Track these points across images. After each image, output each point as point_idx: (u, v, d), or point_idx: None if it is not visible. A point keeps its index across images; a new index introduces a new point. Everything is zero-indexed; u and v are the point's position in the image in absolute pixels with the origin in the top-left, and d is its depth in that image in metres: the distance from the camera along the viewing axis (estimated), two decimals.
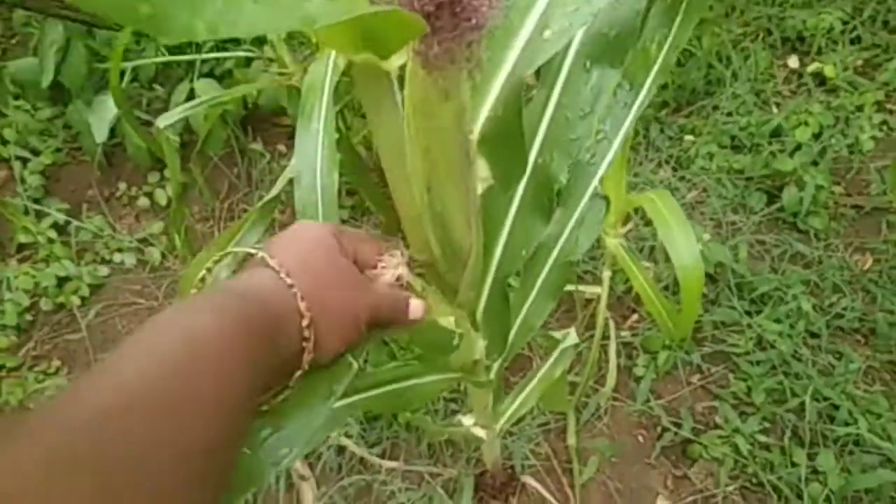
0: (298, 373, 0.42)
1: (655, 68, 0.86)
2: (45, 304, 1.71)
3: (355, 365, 0.50)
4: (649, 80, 0.85)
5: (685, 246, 0.93)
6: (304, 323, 0.41)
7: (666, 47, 0.87)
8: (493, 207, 0.68)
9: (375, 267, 0.51)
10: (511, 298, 0.87)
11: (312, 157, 0.97)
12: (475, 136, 0.51)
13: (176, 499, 0.31)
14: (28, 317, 1.71)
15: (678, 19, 0.89)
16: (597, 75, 0.64)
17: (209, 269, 0.46)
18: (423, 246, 0.54)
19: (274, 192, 1.18)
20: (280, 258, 0.43)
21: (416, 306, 0.52)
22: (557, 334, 1.06)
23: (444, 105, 0.43)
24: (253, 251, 0.44)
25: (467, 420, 1.03)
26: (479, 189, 0.54)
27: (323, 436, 0.62)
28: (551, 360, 1.05)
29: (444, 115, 0.43)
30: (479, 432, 1.04)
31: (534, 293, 0.86)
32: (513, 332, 0.87)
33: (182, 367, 0.33)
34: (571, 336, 1.04)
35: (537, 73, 0.65)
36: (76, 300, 1.72)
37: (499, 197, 0.67)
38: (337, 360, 0.47)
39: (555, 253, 0.84)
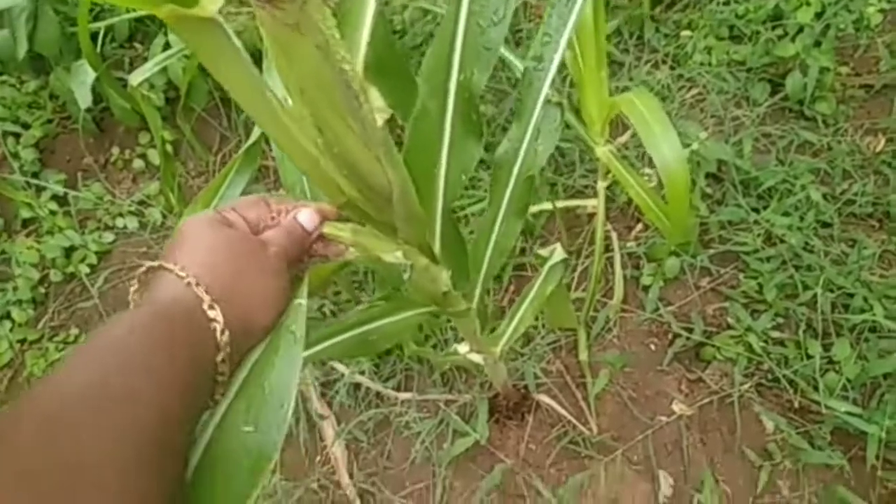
0: (220, 356, 0.42)
1: None
2: (55, 276, 1.74)
3: (304, 304, 0.49)
4: None
5: (668, 146, 0.89)
6: (205, 306, 0.41)
7: None
8: (423, 135, 0.65)
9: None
10: (479, 223, 0.85)
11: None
12: (359, 65, 0.47)
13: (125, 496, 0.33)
14: (41, 289, 1.74)
15: None
16: None
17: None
18: (336, 190, 0.52)
19: (252, 138, 1.15)
20: (173, 258, 0.43)
21: (306, 216, 0.51)
22: (544, 251, 1.03)
23: (301, 39, 0.39)
24: (149, 263, 0.45)
25: (462, 348, 1.02)
26: (380, 121, 0.50)
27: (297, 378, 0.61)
28: (540, 277, 1.03)
29: (305, 50, 0.40)
30: (476, 358, 1.03)
31: (501, 214, 0.83)
32: (486, 256, 0.85)
33: (110, 382, 0.35)
34: (558, 252, 1.02)
35: None
36: (85, 268, 1.74)
37: (427, 124, 0.64)
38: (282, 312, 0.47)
39: (515, 169, 0.81)
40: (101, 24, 1.79)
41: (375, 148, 0.49)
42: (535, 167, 0.80)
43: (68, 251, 1.76)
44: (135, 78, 1.36)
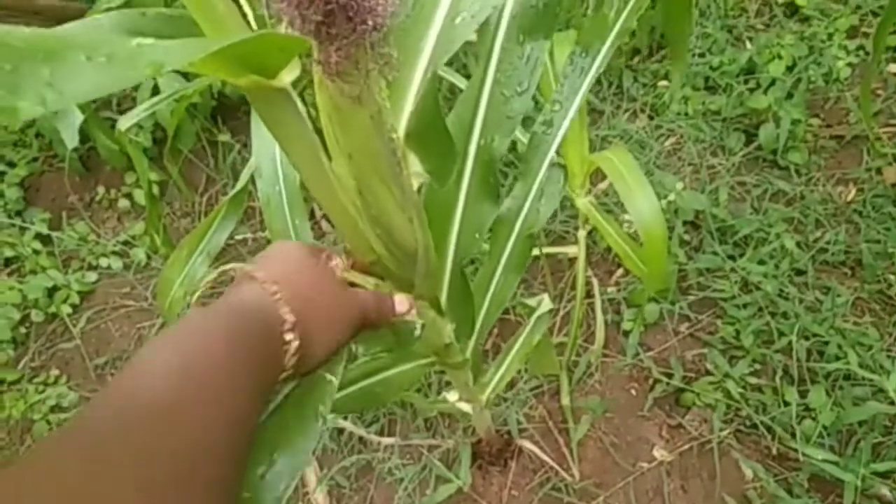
0: (283, 374, 0.43)
1: (612, 34, 0.84)
2: (36, 316, 1.73)
3: (335, 382, 0.50)
4: (605, 47, 0.83)
5: (644, 202, 0.92)
6: (286, 327, 0.42)
7: (625, 13, 0.85)
8: (440, 196, 0.67)
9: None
10: (478, 276, 0.87)
11: (271, 149, 0.96)
12: (401, 133, 0.50)
13: None
14: (22, 329, 1.73)
15: None
16: (530, 48, 0.63)
17: (194, 291, 0.47)
18: (367, 247, 0.53)
19: (239, 184, 1.17)
20: (264, 271, 0.44)
21: (401, 301, 0.54)
22: (531, 301, 1.06)
23: (358, 110, 0.42)
24: (238, 267, 0.45)
25: (452, 396, 1.04)
26: (416, 185, 0.53)
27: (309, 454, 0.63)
28: (528, 327, 1.05)
29: (360, 120, 0.42)
30: (465, 406, 1.05)
31: (500, 268, 0.85)
32: (483, 308, 0.87)
33: (177, 389, 0.34)
34: (545, 303, 1.04)
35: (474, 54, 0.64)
36: (67, 308, 1.73)
37: (444, 186, 0.67)
38: (317, 378, 0.49)
39: (517, 227, 0.84)
40: None
41: (409, 210, 0.51)
42: (536, 226, 0.82)
43: (51, 291, 1.75)
44: (123, 123, 1.37)
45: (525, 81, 0.65)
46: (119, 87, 0.25)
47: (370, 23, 0.36)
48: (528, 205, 0.84)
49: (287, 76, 0.39)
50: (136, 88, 1.90)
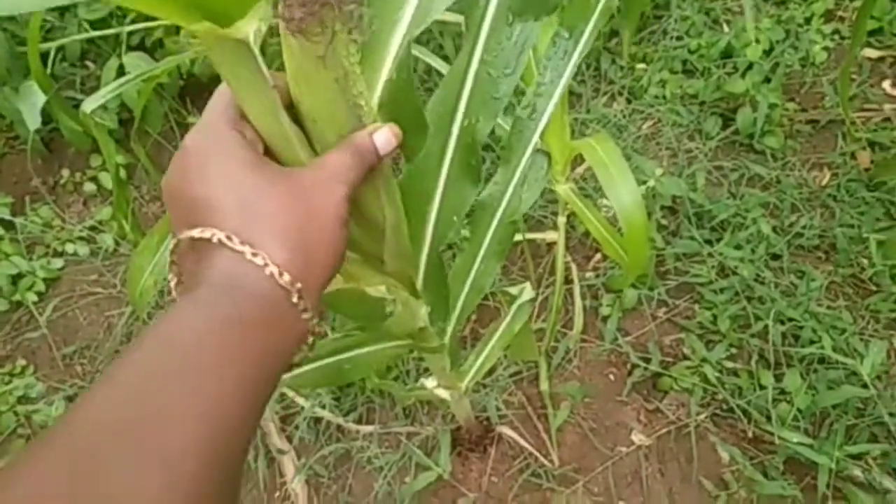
0: (310, 339, 0.38)
1: (596, 13, 0.82)
2: (0, 304, 1.67)
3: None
4: (589, 27, 0.81)
5: (625, 190, 0.91)
6: (294, 299, 0.36)
7: None
8: (420, 176, 0.65)
9: None
10: (458, 262, 0.86)
11: None
12: (374, 103, 0.47)
13: None
14: None
15: None
16: (519, 30, 0.61)
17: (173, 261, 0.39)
18: None
19: None
20: (220, 220, 0.36)
21: (384, 136, 0.43)
22: (513, 290, 1.04)
23: (323, 72, 0.39)
24: (201, 236, 0.37)
25: (430, 383, 1.03)
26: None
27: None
28: (509, 316, 1.04)
29: (324, 82, 0.40)
30: (443, 393, 1.03)
31: (481, 255, 0.84)
32: (462, 294, 0.86)
33: (173, 380, 0.31)
34: (527, 291, 1.03)
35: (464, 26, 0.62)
36: (32, 296, 1.68)
37: (426, 163, 0.65)
38: None
39: (499, 213, 0.82)
40: (53, 45, 1.74)
41: (376, 182, 0.49)
42: (518, 213, 0.81)
43: (15, 278, 1.70)
44: (88, 105, 1.32)
45: (512, 63, 0.63)
46: (31, 8, 0.23)
47: None
48: (510, 191, 0.82)
49: (246, 27, 0.36)
50: (100, 67, 1.83)
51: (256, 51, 0.37)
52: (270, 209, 0.37)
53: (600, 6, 0.86)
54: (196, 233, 0.36)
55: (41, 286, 1.70)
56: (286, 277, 0.36)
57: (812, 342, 1.34)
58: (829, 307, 1.41)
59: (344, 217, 0.40)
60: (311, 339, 0.38)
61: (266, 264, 0.35)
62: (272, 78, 0.39)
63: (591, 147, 0.95)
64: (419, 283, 0.70)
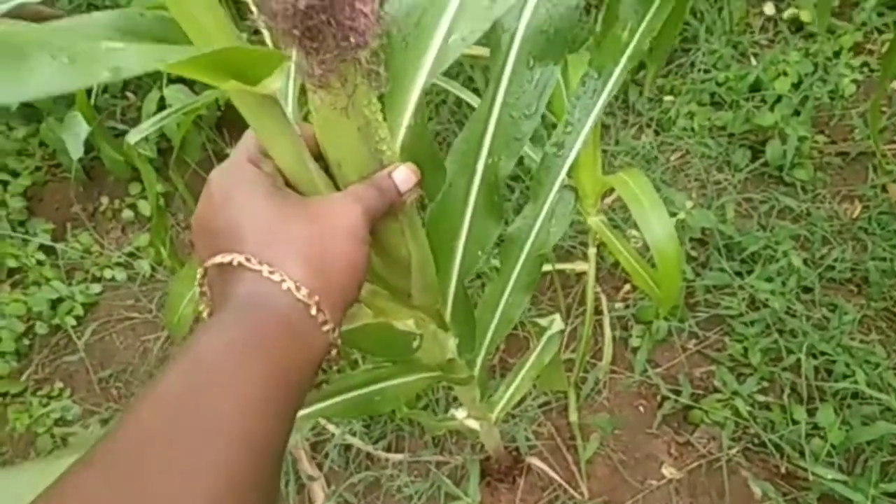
0: (333, 352, 0.39)
1: (626, 55, 0.84)
2: (40, 328, 1.72)
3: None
4: (619, 68, 0.83)
5: (658, 224, 0.93)
6: (312, 311, 0.37)
7: (639, 33, 0.85)
8: (446, 212, 0.68)
9: None
10: (487, 294, 0.87)
11: None
12: (397, 147, 0.50)
13: None
14: (25, 341, 1.72)
15: (656, 3, 0.87)
16: (540, 73, 0.64)
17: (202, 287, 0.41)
18: None
19: None
20: (240, 245, 0.38)
21: (403, 174, 0.45)
22: (543, 321, 1.06)
23: (346, 122, 0.42)
24: (223, 261, 0.39)
25: (460, 413, 1.04)
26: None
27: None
28: (539, 347, 1.05)
29: (348, 131, 0.43)
30: (473, 424, 1.04)
31: (510, 287, 0.86)
32: (492, 326, 0.87)
33: (199, 402, 0.33)
34: (556, 323, 1.04)
35: (488, 69, 0.65)
36: (71, 320, 1.72)
37: (451, 201, 0.67)
38: None
39: (527, 246, 0.84)
40: None
41: (400, 222, 0.51)
42: (546, 246, 0.83)
43: (55, 303, 1.75)
44: (132, 137, 1.37)
45: (533, 105, 0.65)
46: (77, 86, 0.27)
47: (353, 40, 0.36)
48: (538, 225, 0.84)
49: (272, 84, 0.38)
50: (141, 98, 1.90)
51: (282, 104, 0.40)
52: (288, 231, 0.39)
53: (630, 49, 0.88)
54: (218, 259, 0.38)
55: (80, 310, 1.74)
56: (304, 291, 0.37)
57: (845, 376, 1.33)
58: (862, 341, 1.40)
59: (361, 237, 0.41)
60: (333, 352, 0.39)
61: (283, 280, 0.37)
62: (299, 128, 0.42)
63: (623, 181, 0.97)
64: (447, 316, 0.72)
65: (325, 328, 0.38)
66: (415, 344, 0.68)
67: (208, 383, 0.33)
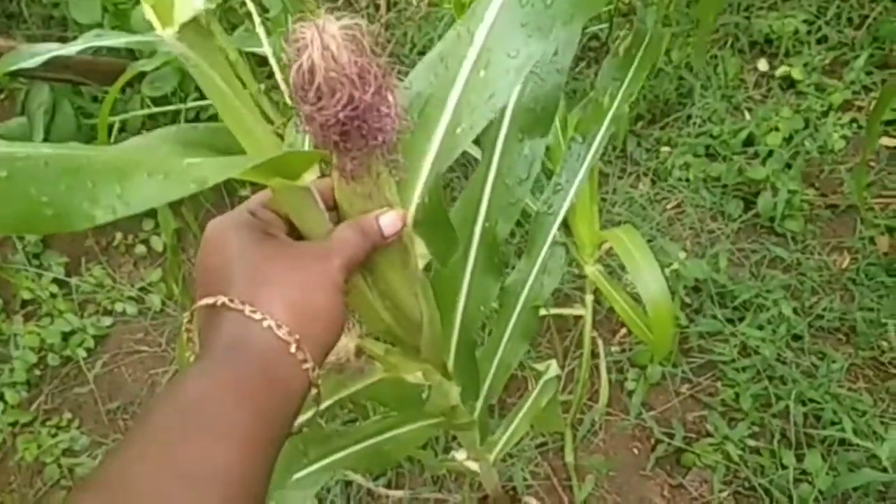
0: (314, 392, 0.41)
1: (607, 119, 0.92)
2: (52, 359, 1.76)
3: (321, 422, 0.55)
4: (602, 131, 0.91)
5: (651, 279, 0.99)
6: (292, 349, 0.39)
7: (618, 98, 0.93)
8: (448, 272, 0.74)
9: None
10: (486, 343, 0.93)
11: None
12: (409, 221, 0.56)
13: None
14: (36, 372, 1.77)
15: (631, 71, 0.94)
16: (529, 145, 0.70)
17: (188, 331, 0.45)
18: (376, 318, 0.59)
19: None
20: (225, 288, 0.40)
21: (390, 220, 0.47)
22: (540, 366, 1.11)
23: (370, 203, 0.48)
24: (209, 303, 0.41)
25: (460, 455, 1.08)
26: (422, 264, 0.59)
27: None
28: (536, 391, 1.10)
29: (369, 209, 0.48)
30: (473, 465, 1.09)
31: (507, 336, 0.91)
32: (490, 373, 0.92)
33: (181, 443, 0.34)
34: (553, 368, 1.09)
35: (479, 143, 0.71)
36: (82, 352, 1.77)
37: (453, 261, 0.73)
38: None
39: (522, 298, 0.90)
40: (118, 118, 1.89)
41: (415, 286, 0.57)
42: (540, 298, 0.89)
43: (66, 335, 1.79)
44: None
45: (525, 172, 0.72)
46: (171, 198, 0.32)
47: (379, 139, 0.43)
48: (532, 278, 0.90)
49: (308, 177, 0.44)
50: None
51: (315, 194, 0.46)
52: (272, 275, 0.41)
53: (611, 112, 0.96)
54: (204, 301, 0.40)
55: (91, 343, 1.79)
56: (284, 329, 0.39)
57: (833, 423, 1.37)
58: (849, 389, 1.45)
59: (339, 285, 0.43)
60: (314, 392, 0.41)
61: (264, 318, 0.39)
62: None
63: (618, 238, 1.03)
64: (450, 366, 0.77)
65: (306, 366, 0.39)
66: (424, 395, 0.73)
67: (190, 427, 0.35)
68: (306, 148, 0.46)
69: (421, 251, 0.59)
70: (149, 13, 0.38)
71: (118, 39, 1.41)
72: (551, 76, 0.69)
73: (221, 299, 0.39)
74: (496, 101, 0.49)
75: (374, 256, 0.52)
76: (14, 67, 1.28)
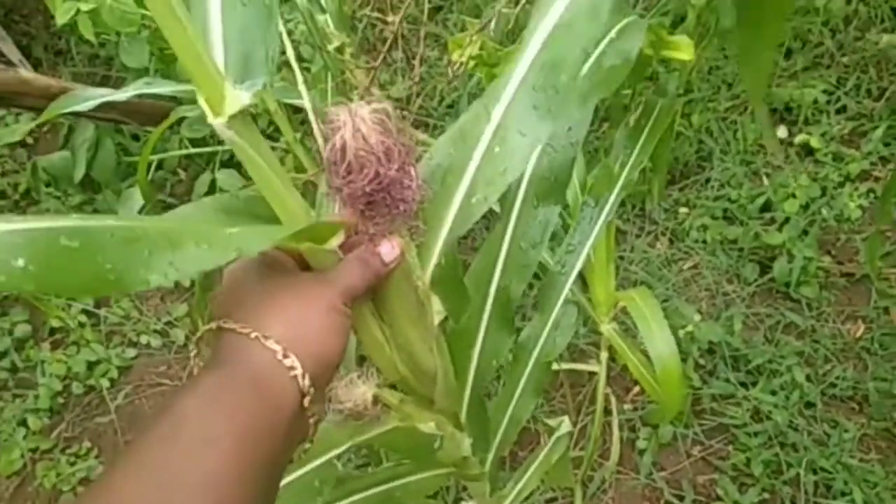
0: (306, 400, 0.42)
1: (618, 186, 0.96)
2: (76, 388, 1.81)
3: (337, 464, 0.58)
4: (613, 196, 0.96)
5: (662, 342, 1.02)
6: (279, 356, 0.41)
7: (629, 166, 0.97)
8: (463, 328, 0.78)
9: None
10: (498, 396, 0.96)
11: None
12: (427, 280, 0.60)
13: None
14: (60, 399, 1.81)
15: (641, 140, 1.00)
16: (543, 212, 0.75)
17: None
18: (393, 369, 0.63)
19: None
20: (227, 313, 0.43)
21: (388, 249, 0.50)
22: (553, 422, 1.13)
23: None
24: (210, 327, 0.44)
25: None
26: (437, 320, 0.63)
27: None
28: (548, 446, 1.12)
29: (393, 272, 0.53)
30: None
31: (519, 391, 0.94)
32: (502, 426, 0.95)
33: (176, 454, 0.36)
34: (565, 424, 1.11)
35: (499, 205, 0.76)
36: (105, 382, 1.82)
37: (468, 316, 0.77)
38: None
39: (535, 354, 0.94)
40: (156, 157, 1.97)
41: (430, 341, 0.61)
42: (552, 355, 0.92)
43: (91, 364, 1.84)
44: None
45: (539, 237, 0.76)
46: (216, 265, 0.37)
47: (401, 208, 0.48)
48: (544, 335, 0.94)
49: (334, 241, 0.49)
50: (194, 179, 2.05)
51: (339, 253, 0.51)
52: (273, 299, 0.43)
53: (622, 179, 1.00)
54: (205, 328, 0.44)
55: (114, 373, 1.84)
56: (272, 340, 0.41)
57: (843, 494, 1.37)
58: (861, 459, 1.45)
59: (336, 307, 0.45)
60: (306, 402, 0.42)
61: (252, 331, 0.41)
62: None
63: (632, 299, 1.06)
64: (463, 417, 0.81)
65: (293, 373, 0.41)
66: (436, 444, 0.77)
67: (183, 435, 0.36)
68: (336, 211, 0.51)
69: (437, 308, 0.64)
70: (202, 103, 0.43)
71: (165, 88, 1.49)
72: (565, 149, 0.74)
73: (219, 322, 0.42)
74: (509, 176, 0.54)
75: (391, 310, 0.56)
76: (68, 110, 1.37)
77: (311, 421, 0.43)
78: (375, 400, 0.66)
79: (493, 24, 1.03)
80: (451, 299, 0.63)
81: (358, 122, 0.43)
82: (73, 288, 0.35)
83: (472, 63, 0.97)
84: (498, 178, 0.55)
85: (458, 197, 0.58)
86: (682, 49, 0.92)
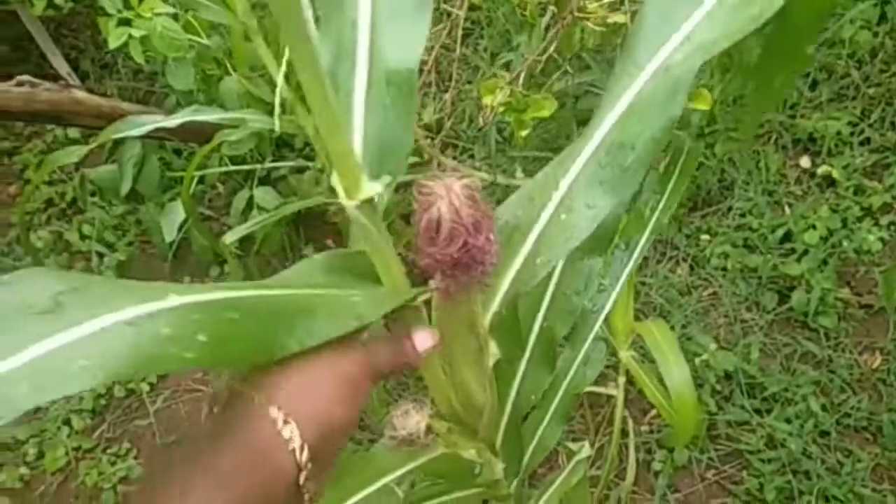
0: (302, 476, 0.41)
1: (648, 229, 1.03)
2: (118, 391, 1.91)
3: (398, 490, 0.66)
4: (643, 239, 1.02)
5: (677, 371, 1.08)
6: (279, 427, 0.40)
7: (658, 211, 1.04)
8: (507, 365, 0.84)
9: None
10: (527, 423, 1.02)
11: None
12: (486, 327, 0.67)
13: None
14: (102, 401, 1.91)
15: (671, 184, 1.06)
16: (588, 264, 0.81)
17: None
18: (448, 403, 0.70)
19: None
20: (253, 373, 0.43)
21: (423, 338, 0.52)
22: (573, 445, 1.19)
23: (460, 316, 0.60)
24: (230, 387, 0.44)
25: None
26: (491, 362, 0.70)
27: None
28: (568, 469, 1.18)
29: (461, 322, 0.60)
30: None
31: (546, 419, 1.01)
32: (528, 452, 1.02)
33: None
34: (585, 449, 1.17)
35: None
36: (145, 387, 1.91)
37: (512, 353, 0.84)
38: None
39: (564, 385, 1.00)
40: (198, 173, 2.06)
41: (484, 381, 0.68)
42: (581, 387, 0.99)
43: None
44: (229, 237, 1.59)
45: (582, 286, 0.82)
46: (340, 333, 0.42)
47: (480, 270, 0.54)
48: (574, 367, 1.01)
49: (421, 297, 0.56)
50: (231, 194, 2.14)
51: (422, 307, 0.57)
52: (290, 359, 0.42)
53: (652, 223, 1.07)
54: (220, 382, 0.49)
55: (154, 378, 1.93)
56: (273, 408, 0.40)
57: None
58: (874, 489, 1.49)
59: (354, 381, 0.45)
60: (302, 477, 0.41)
61: (256, 396, 0.41)
62: None
63: (649, 330, 1.13)
64: (498, 444, 0.88)
65: (291, 446, 0.40)
66: (476, 470, 0.84)
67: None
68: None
69: (493, 351, 0.71)
70: (336, 184, 0.46)
71: (212, 115, 1.59)
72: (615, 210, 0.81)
73: (230, 383, 0.43)
74: (572, 243, 0.59)
75: (453, 352, 0.63)
76: (122, 135, 1.47)
77: (307, 498, 0.42)
78: (428, 429, 0.73)
79: (521, 74, 1.10)
80: (507, 345, 0.70)
81: (453, 196, 0.49)
82: (236, 358, 0.38)
83: (501, 108, 1.04)
84: (562, 245, 0.59)
85: (521, 256, 0.64)
86: (701, 99, 0.98)
